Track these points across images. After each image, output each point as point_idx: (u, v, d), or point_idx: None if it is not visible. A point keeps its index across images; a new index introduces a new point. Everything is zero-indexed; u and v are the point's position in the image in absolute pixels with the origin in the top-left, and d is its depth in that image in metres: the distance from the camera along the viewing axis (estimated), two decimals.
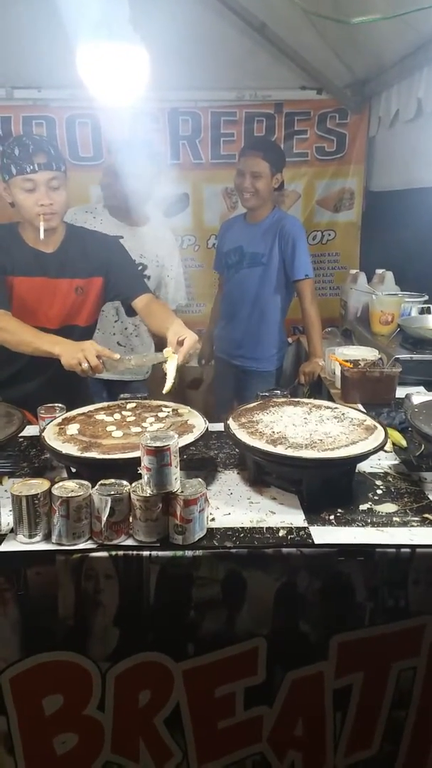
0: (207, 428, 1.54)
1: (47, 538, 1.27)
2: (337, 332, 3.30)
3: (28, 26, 3.22)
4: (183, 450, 1.38)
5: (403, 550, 1.26)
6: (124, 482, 1.28)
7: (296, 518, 1.36)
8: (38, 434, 1.64)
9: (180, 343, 1.79)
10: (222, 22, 3.42)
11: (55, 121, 3.72)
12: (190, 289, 4.16)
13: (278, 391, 1.83)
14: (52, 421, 1.61)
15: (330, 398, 2.30)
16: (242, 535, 1.30)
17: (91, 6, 1.82)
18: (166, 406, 1.70)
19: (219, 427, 1.69)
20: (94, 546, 1.26)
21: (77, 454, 1.40)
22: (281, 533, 1.30)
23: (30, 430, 1.71)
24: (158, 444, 1.22)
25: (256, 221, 2.83)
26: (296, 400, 1.75)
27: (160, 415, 1.64)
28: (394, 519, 1.35)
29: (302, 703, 1.36)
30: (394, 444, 1.71)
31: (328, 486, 1.43)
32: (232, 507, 1.41)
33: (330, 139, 3.89)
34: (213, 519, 1.35)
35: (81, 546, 1.25)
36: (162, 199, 3.93)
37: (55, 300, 2.03)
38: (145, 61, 2.02)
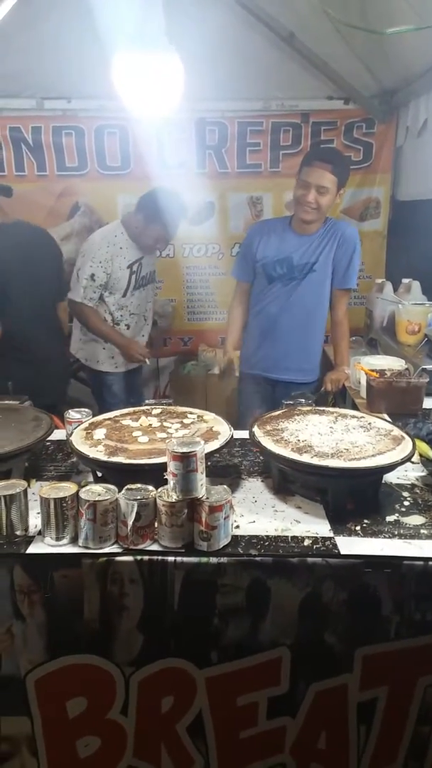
0: (232, 435, 1.54)
1: (74, 541, 1.28)
2: (362, 342, 3.28)
3: (58, 38, 3.29)
4: (207, 457, 1.38)
5: (431, 563, 1.24)
6: (150, 487, 1.29)
7: (321, 528, 1.35)
8: (64, 438, 1.66)
9: None
10: (250, 32, 3.44)
11: (84, 131, 3.79)
12: (214, 297, 4.19)
13: (302, 400, 1.82)
14: (78, 425, 1.62)
15: (355, 408, 2.28)
16: (267, 543, 1.30)
17: (128, 18, 1.86)
18: (191, 413, 1.71)
19: (242, 434, 1.69)
20: (119, 550, 1.27)
21: (104, 458, 1.41)
22: (306, 542, 1.30)
23: (56, 434, 1.73)
24: (185, 450, 1.23)
25: (308, 233, 2.60)
26: (321, 408, 1.75)
27: (186, 421, 1.65)
28: (422, 531, 1.34)
29: (326, 716, 1.34)
30: (421, 455, 1.69)
31: (354, 496, 1.42)
32: (257, 515, 1.41)
33: (357, 149, 3.88)
34: (237, 526, 1.35)
35: (107, 550, 1.26)
36: (188, 208, 3.98)
37: None
38: (179, 72, 2.05)
